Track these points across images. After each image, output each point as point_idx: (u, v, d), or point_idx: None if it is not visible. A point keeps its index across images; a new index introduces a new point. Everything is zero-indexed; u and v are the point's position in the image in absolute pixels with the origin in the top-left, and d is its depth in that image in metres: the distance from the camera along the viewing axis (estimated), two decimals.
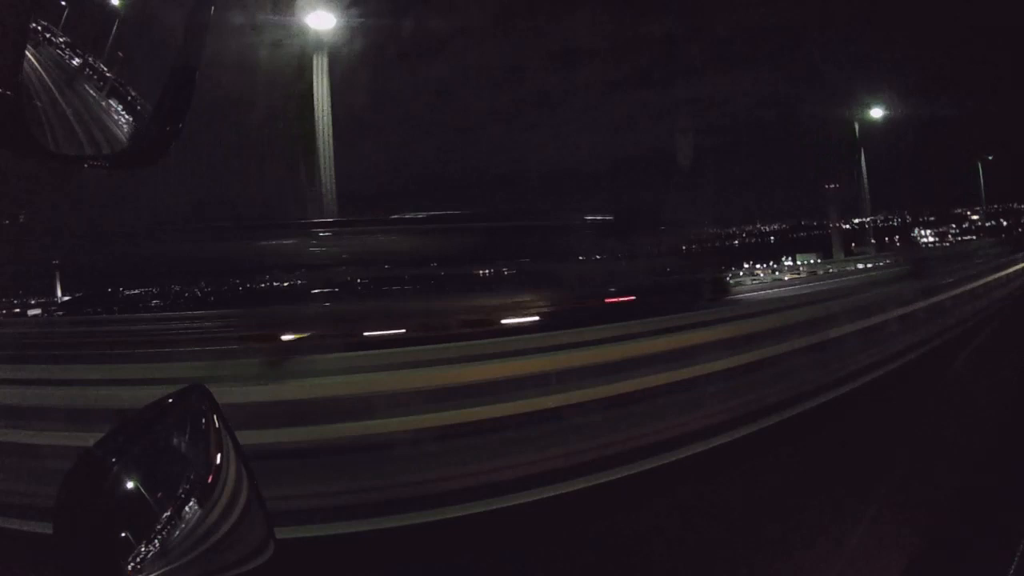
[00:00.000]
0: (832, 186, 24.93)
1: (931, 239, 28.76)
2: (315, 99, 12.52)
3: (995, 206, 28.74)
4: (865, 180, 21.87)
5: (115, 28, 1.17)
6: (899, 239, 28.42)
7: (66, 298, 22.91)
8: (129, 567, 1.17)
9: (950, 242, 27.99)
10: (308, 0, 11.97)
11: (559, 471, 6.01)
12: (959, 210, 28.95)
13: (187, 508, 1.30)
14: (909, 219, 29.48)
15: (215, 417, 1.38)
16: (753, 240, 31.70)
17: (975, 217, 29.01)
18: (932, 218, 29.33)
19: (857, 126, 20.02)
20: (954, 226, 29.22)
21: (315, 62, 12.35)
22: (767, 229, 32.07)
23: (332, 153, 12.83)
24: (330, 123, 12.72)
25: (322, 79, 12.54)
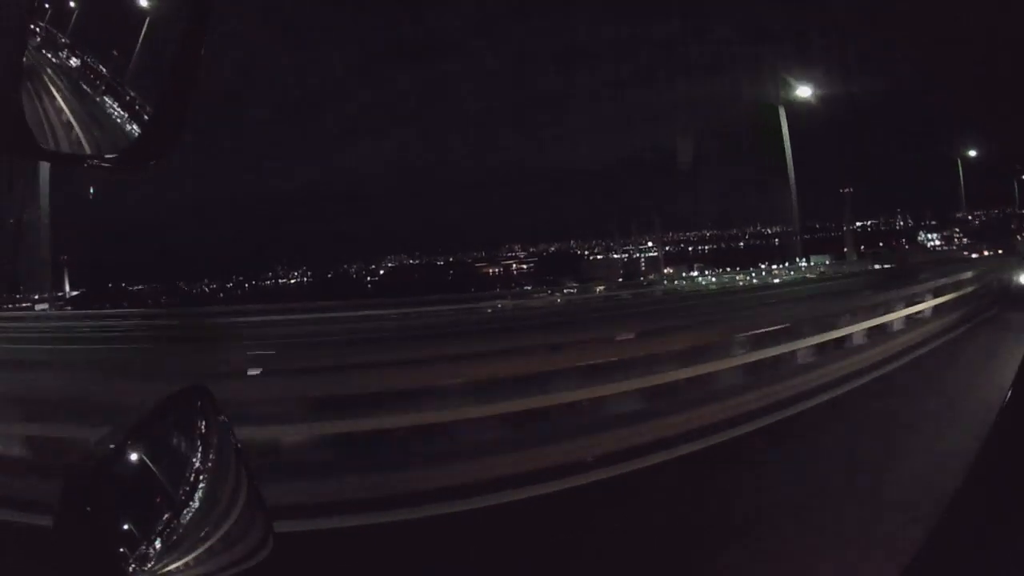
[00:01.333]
0: (847, 190, 25.19)
1: (938, 242, 28.90)
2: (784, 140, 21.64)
3: (995, 211, 28.89)
4: (963, 195, 25.66)
5: (114, 28, 1.17)
6: (906, 242, 28.64)
7: (74, 293, 22.83)
8: (130, 566, 1.17)
9: (956, 245, 28.45)
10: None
11: None
12: (960, 214, 29.10)
13: (187, 506, 1.31)
14: (911, 222, 29.62)
15: (215, 416, 1.39)
16: (757, 242, 31.71)
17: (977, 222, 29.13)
18: (933, 222, 29.49)
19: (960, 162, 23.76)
20: (957, 230, 29.32)
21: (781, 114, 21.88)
22: (769, 231, 32.05)
23: (794, 175, 22.53)
24: (791, 155, 22.28)
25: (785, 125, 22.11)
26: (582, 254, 30.20)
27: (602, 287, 25.01)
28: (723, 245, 30.63)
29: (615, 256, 28.79)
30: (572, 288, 25.19)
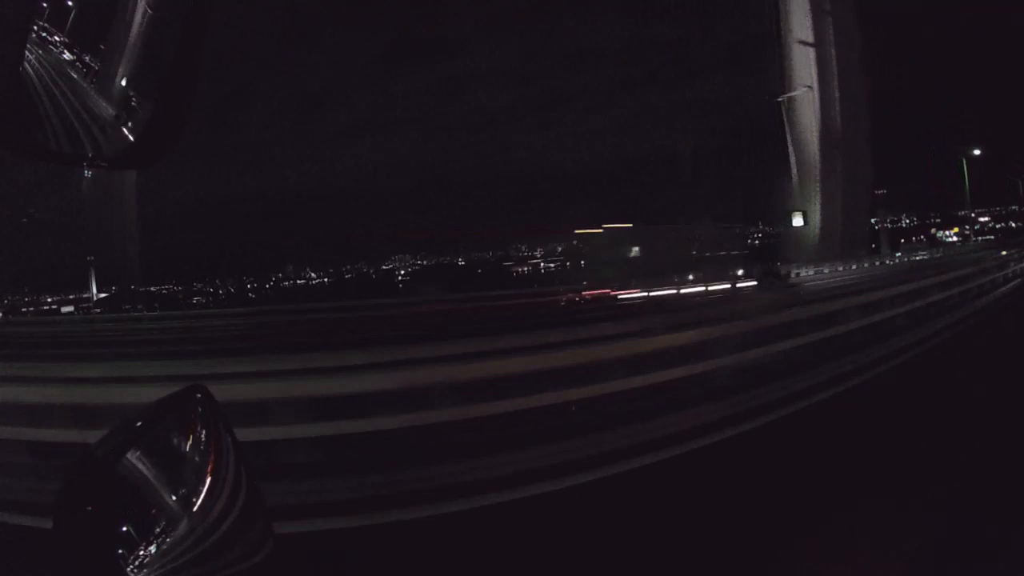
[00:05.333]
0: (881, 192, 26.16)
1: (955, 238, 30.13)
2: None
3: (997, 208, 29.58)
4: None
5: (114, 29, 1.17)
6: (923, 238, 29.99)
7: (102, 295, 22.64)
8: (129, 566, 1.17)
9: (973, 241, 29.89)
10: None
11: None
12: (963, 212, 29.93)
13: (187, 507, 1.31)
14: (916, 221, 30.44)
15: (215, 416, 1.39)
16: (769, 241, 31.99)
17: (984, 219, 29.93)
18: (938, 220, 30.37)
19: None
20: (967, 227, 30.39)
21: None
22: (771, 230, 32.24)
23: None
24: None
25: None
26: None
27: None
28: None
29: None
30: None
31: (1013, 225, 29.32)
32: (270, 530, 1.38)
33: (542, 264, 30.55)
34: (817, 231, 16.78)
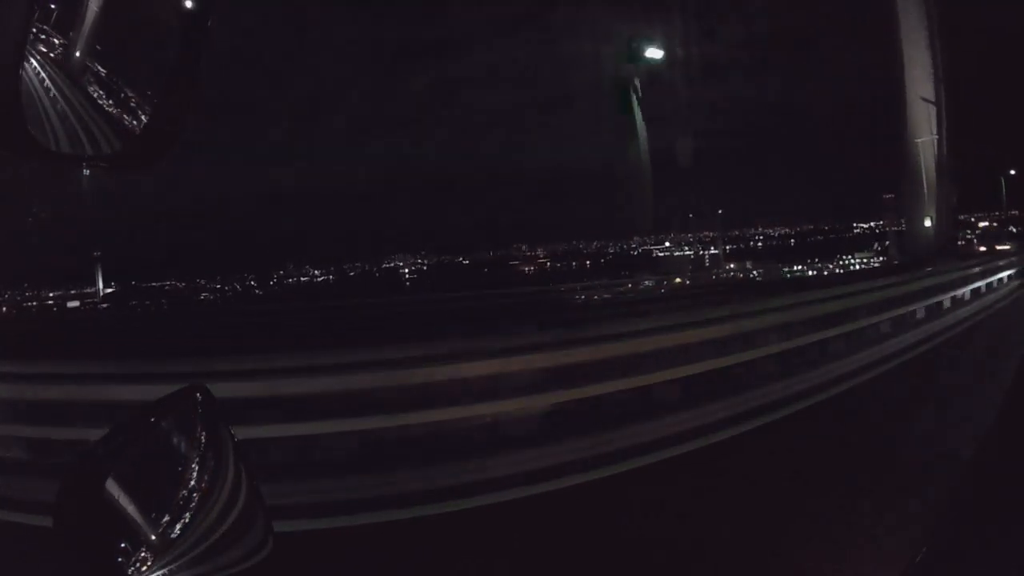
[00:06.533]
0: (888, 196, 26.98)
1: (958, 242, 30.54)
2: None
3: (996, 213, 29.71)
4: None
5: (115, 27, 1.17)
6: None
7: (108, 290, 22.40)
8: (129, 566, 1.18)
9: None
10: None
11: None
12: (962, 216, 30.17)
13: (187, 507, 1.31)
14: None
15: (215, 416, 1.39)
16: (773, 242, 32.24)
17: (983, 224, 30.18)
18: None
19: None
20: (969, 231, 30.74)
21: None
22: (776, 233, 32.41)
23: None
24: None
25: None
26: (611, 252, 31.96)
27: (679, 279, 26.45)
28: (740, 245, 31.54)
29: (678, 253, 31.10)
30: (650, 280, 26.36)
31: (1014, 230, 29.39)
32: (271, 530, 1.39)
33: (548, 263, 30.86)
34: (934, 232, 22.26)
